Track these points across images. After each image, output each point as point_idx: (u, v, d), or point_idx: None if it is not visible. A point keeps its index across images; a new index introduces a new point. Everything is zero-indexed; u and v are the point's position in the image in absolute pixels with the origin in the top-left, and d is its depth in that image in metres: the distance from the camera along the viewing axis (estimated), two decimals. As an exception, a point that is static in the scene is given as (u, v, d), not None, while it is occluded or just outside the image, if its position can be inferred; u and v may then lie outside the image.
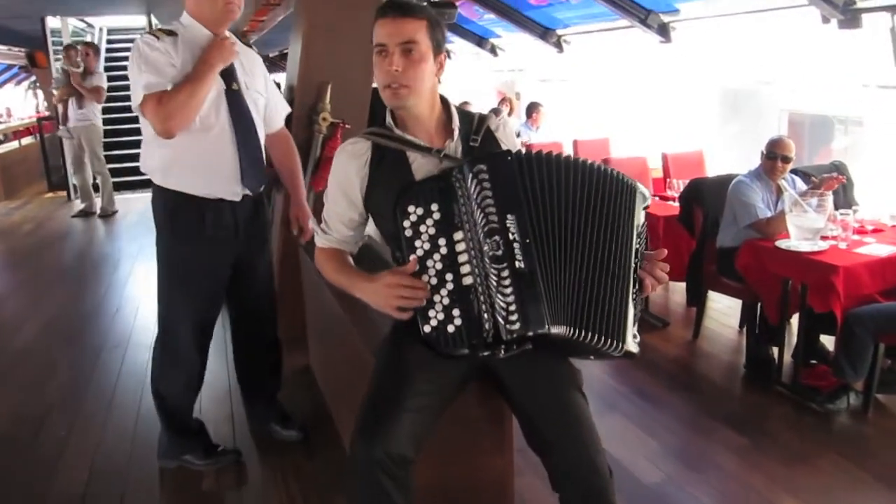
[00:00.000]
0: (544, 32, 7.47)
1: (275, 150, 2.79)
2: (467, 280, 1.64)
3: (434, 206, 1.66)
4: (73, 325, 4.70)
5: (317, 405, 3.25)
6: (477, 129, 1.84)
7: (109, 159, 8.40)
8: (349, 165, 1.82)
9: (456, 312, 1.64)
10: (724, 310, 4.53)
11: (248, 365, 2.90)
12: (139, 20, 9.82)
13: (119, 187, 8.43)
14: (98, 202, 8.17)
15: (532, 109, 7.16)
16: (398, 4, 1.72)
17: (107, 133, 8.44)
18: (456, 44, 10.15)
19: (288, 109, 2.81)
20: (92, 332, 4.53)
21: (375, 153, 1.81)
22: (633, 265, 1.73)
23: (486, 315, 1.61)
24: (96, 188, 8.24)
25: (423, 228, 1.66)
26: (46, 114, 11.02)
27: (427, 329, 1.66)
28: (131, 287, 5.51)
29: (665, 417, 3.31)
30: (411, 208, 1.67)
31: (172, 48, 2.33)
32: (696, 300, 4.22)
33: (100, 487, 2.72)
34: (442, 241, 1.65)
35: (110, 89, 7.99)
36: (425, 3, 1.79)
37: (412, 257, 1.66)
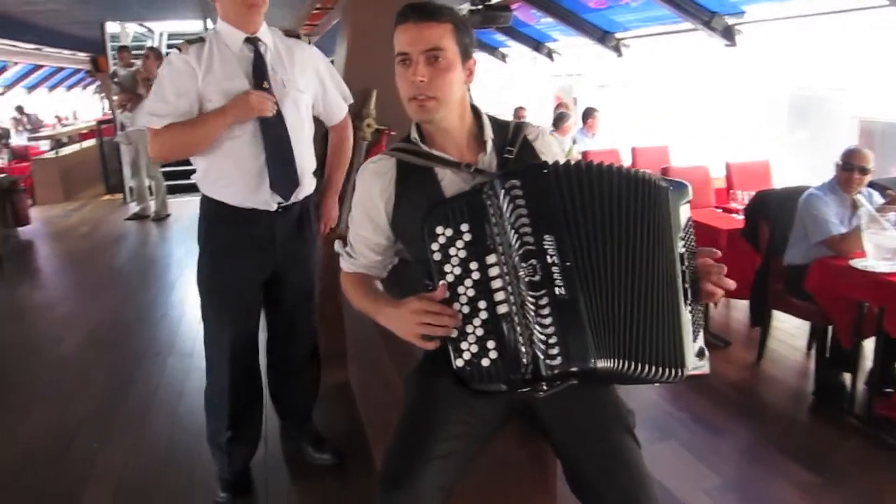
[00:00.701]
0: (603, 36, 7.29)
1: (329, 142, 2.71)
2: (502, 308, 1.47)
3: (464, 227, 1.50)
4: (117, 330, 4.68)
5: (354, 425, 3.10)
6: (513, 140, 1.67)
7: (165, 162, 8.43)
8: (373, 185, 1.68)
9: (491, 344, 1.48)
10: (790, 330, 4.25)
11: (279, 383, 2.77)
12: (196, 25, 9.93)
13: (174, 190, 8.49)
14: (152, 205, 8.25)
15: (587, 115, 6.94)
16: (419, 7, 1.55)
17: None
18: (512, 48, 10.04)
19: (349, 100, 2.67)
20: (135, 339, 4.50)
21: (401, 171, 1.65)
22: (679, 274, 1.53)
23: (523, 348, 1.44)
24: (151, 191, 8.33)
25: (452, 251, 1.50)
26: (107, 117, 11.25)
27: (459, 363, 1.50)
28: (178, 292, 5.48)
29: (724, 447, 3.09)
30: (439, 229, 1.51)
31: (196, 58, 2.25)
32: (761, 320, 3.97)
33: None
34: (474, 265, 1.49)
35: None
36: (450, 6, 1.62)
37: (441, 283, 1.50)
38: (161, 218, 8.12)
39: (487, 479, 1.71)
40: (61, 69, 16.57)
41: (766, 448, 3.04)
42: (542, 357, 1.42)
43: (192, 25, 11.01)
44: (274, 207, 2.38)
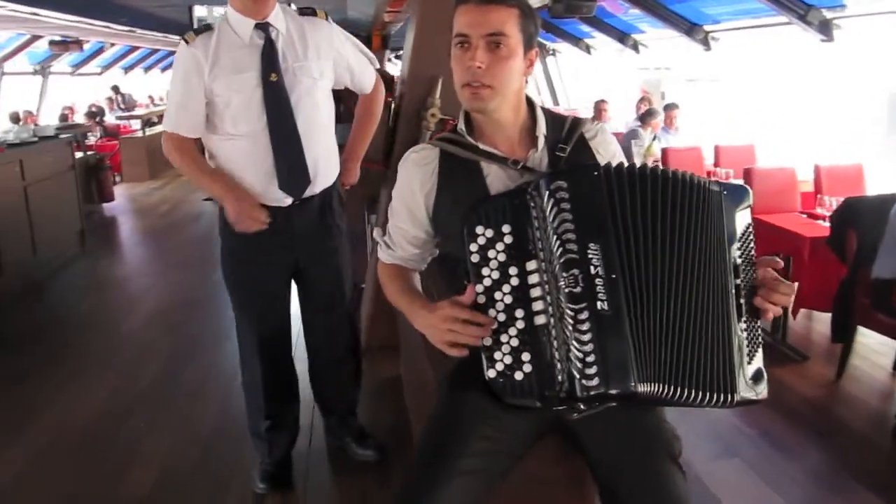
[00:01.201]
0: (690, 28, 6.99)
1: (357, 109, 2.62)
2: (540, 319, 1.36)
3: (506, 228, 1.39)
4: (180, 311, 4.78)
5: (400, 421, 3.02)
6: (567, 137, 1.56)
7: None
8: (413, 176, 1.59)
9: (526, 357, 1.37)
10: (875, 346, 3.96)
11: (317, 377, 2.72)
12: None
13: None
14: None
15: (667, 110, 6.68)
16: None
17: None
18: (597, 38, 9.77)
19: (375, 64, 2.55)
20: (196, 321, 4.57)
21: (444, 162, 1.56)
22: (731, 289, 1.41)
23: (559, 364, 1.33)
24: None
25: (491, 254, 1.40)
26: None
27: (492, 374, 1.39)
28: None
29: (794, 469, 2.87)
30: (479, 229, 1.40)
31: (203, 50, 2.18)
32: (843, 336, 3.70)
33: (165, 494, 2.66)
34: (513, 271, 1.38)
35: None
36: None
37: (470, 287, 1.40)
38: None
39: (519, 497, 1.61)
40: (156, 51, 17.09)
41: (839, 473, 2.83)
42: (577, 376, 1.31)
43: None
44: (287, 203, 2.30)
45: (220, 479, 2.73)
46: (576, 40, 10.28)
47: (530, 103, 1.59)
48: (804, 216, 4.38)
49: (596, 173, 1.39)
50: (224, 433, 3.03)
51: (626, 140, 6.56)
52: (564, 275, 1.32)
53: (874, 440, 3.13)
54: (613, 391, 1.30)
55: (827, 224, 3.95)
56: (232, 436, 2.98)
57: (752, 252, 1.45)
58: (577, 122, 1.59)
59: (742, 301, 1.42)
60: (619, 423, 1.46)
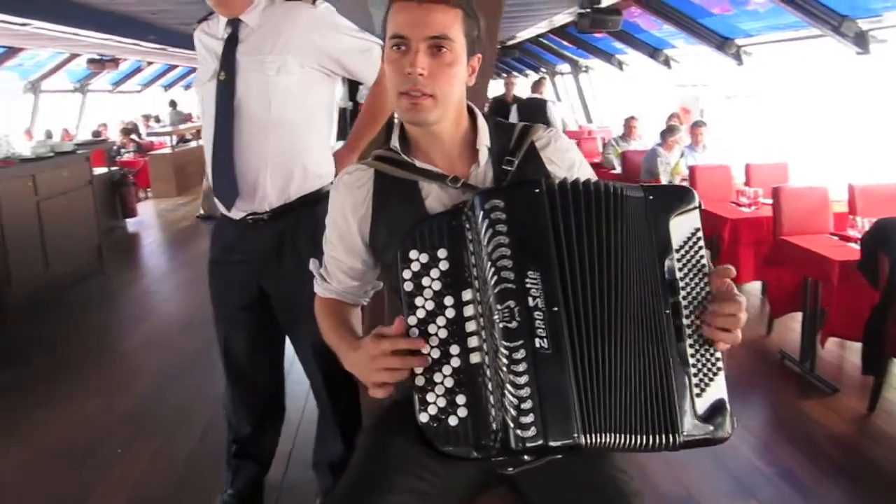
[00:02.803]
0: (722, 43, 6.78)
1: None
2: (475, 357, 1.19)
3: (441, 253, 1.22)
4: (179, 331, 4.74)
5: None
6: (516, 147, 1.37)
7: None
8: (345, 201, 1.42)
9: (461, 399, 1.19)
10: (912, 380, 3.69)
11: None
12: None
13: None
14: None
15: (694, 128, 6.44)
16: None
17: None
18: (629, 55, 9.58)
19: (374, 65, 2.22)
20: (193, 341, 4.47)
21: (380, 184, 1.39)
22: (663, 309, 1.21)
23: (493, 411, 1.16)
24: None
25: (426, 281, 1.22)
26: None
27: (424, 418, 1.21)
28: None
29: (816, 514, 2.65)
30: (413, 254, 1.23)
31: (197, 41, 2.13)
32: (874, 367, 3.44)
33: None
34: (449, 301, 1.21)
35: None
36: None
37: (399, 319, 1.22)
38: None
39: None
40: (194, 69, 17.37)
41: (866, 520, 2.59)
42: (511, 425, 1.12)
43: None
44: (239, 217, 2.11)
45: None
46: (608, 56, 10.11)
47: (472, 112, 1.41)
48: (835, 238, 4.13)
49: (537, 190, 1.21)
50: (201, 460, 2.90)
51: (647, 159, 6.35)
52: (499, 307, 1.14)
53: (907, 483, 2.87)
54: (553, 443, 1.12)
55: (858, 247, 3.70)
56: (209, 464, 2.81)
57: (702, 262, 1.24)
58: (526, 130, 1.41)
59: (684, 321, 1.21)
60: (569, 477, 1.27)
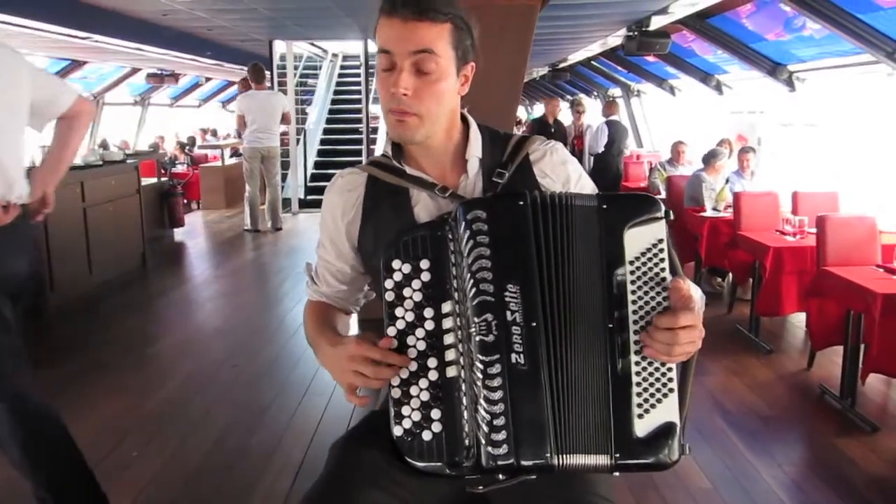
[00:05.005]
0: (774, 68, 6.62)
1: None
2: (452, 371, 1.16)
3: (424, 264, 1.20)
4: (209, 337, 4.80)
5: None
6: (508, 160, 1.34)
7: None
8: (336, 204, 1.40)
9: (436, 414, 1.16)
10: (959, 421, 3.50)
11: None
12: (356, 46, 10.17)
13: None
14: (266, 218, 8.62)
15: (742, 154, 6.28)
16: None
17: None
18: (681, 80, 9.45)
19: (68, 95, 2.27)
20: (219, 348, 4.55)
21: (371, 189, 1.37)
22: (610, 325, 1.15)
23: (466, 427, 1.13)
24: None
25: (407, 292, 1.20)
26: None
27: (398, 431, 1.18)
28: (283, 306, 5.53)
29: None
30: (396, 263, 1.21)
31: None
32: (917, 406, 3.28)
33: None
34: (429, 313, 1.19)
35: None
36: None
37: (390, 331, 1.20)
38: (277, 230, 8.52)
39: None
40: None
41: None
42: (483, 442, 1.09)
43: (354, 47, 11.30)
44: None
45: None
46: (659, 81, 9.98)
47: (465, 122, 1.38)
48: (880, 270, 3.95)
49: (521, 202, 1.18)
50: (213, 466, 2.90)
51: (690, 184, 6.22)
52: (476, 320, 1.12)
53: (947, 532, 2.71)
54: (525, 462, 1.08)
55: (904, 280, 3.55)
56: (219, 471, 2.85)
57: (662, 274, 1.17)
58: (521, 142, 1.37)
59: (631, 336, 1.15)
60: (544, 498, 1.21)
